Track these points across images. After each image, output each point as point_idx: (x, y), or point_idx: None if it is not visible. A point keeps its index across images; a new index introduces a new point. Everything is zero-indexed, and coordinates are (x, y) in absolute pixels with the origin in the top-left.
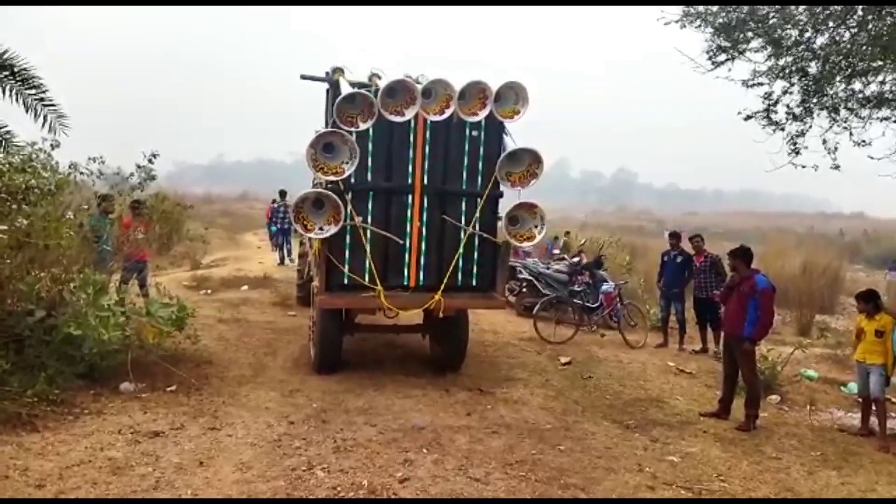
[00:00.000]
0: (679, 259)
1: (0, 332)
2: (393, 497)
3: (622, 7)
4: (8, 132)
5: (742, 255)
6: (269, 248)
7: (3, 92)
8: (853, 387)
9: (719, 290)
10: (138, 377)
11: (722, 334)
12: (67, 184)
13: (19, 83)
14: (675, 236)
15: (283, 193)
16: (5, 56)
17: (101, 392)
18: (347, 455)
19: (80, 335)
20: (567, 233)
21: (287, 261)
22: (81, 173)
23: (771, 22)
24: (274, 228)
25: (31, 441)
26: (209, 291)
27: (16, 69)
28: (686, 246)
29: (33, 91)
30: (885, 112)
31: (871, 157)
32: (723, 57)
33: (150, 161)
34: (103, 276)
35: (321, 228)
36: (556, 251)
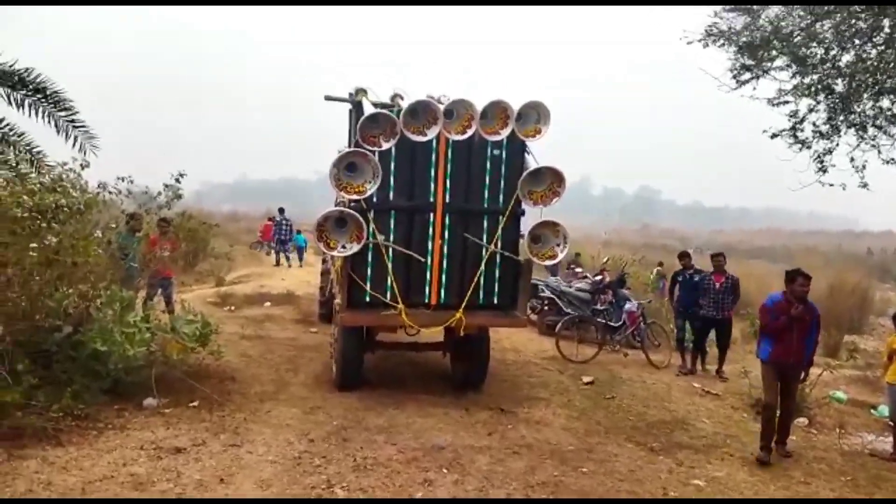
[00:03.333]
0: (696, 278)
1: (28, 347)
2: None
3: (644, 23)
4: (40, 152)
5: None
6: (291, 264)
7: (37, 114)
8: (884, 410)
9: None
10: (162, 393)
11: (767, 366)
12: (96, 203)
13: (51, 105)
14: (686, 255)
15: (281, 210)
16: (38, 80)
17: (125, 407)
18: (367, 474)
19: (106, 351)
20: (577, 254)
21: (284, 262)
22: (110, 192)
23: (795, 40)
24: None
25: (56, 455)
26: (233, 308)
27: (48, 92)
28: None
29: (64, 113)
30: None
31: None
32: (747, 76)
33: (177, 180)
34: (129, 292)
35: (344, 246)
36: (577, 269)
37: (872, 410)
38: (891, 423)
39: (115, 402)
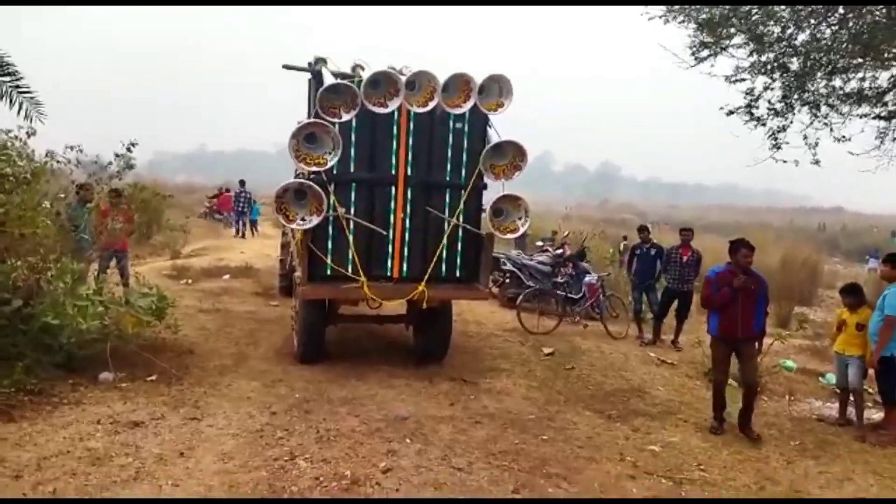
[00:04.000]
0: (653, 251)
1: None
2: (376, 486)
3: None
4: None
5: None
6: (250, 238)
7: None
8: (831, 378)
9: (690, 285)
10: (118, 367)
11: (712, 338)
12: (44, 172)
13: None
14: (645, 229)
15: (242, 182)
16: None
17: (80, 382)
18: (330, 445)
19: (58, 324)
20: (554, 232)
21: (244, 234)
22: (58, 161)
23: (753, 18)
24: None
25: (8, 431)
26: (190, 281)
27: None
28: (666, 239)
29: (8, 78)
30: (864, 108)
31: (851, 153)
32: (705, 53)
33: (128, 150)
34: (81, 265)
35: (303, 219)
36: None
37: (820, 378)
38: (837, 391)
39: (70, 377)
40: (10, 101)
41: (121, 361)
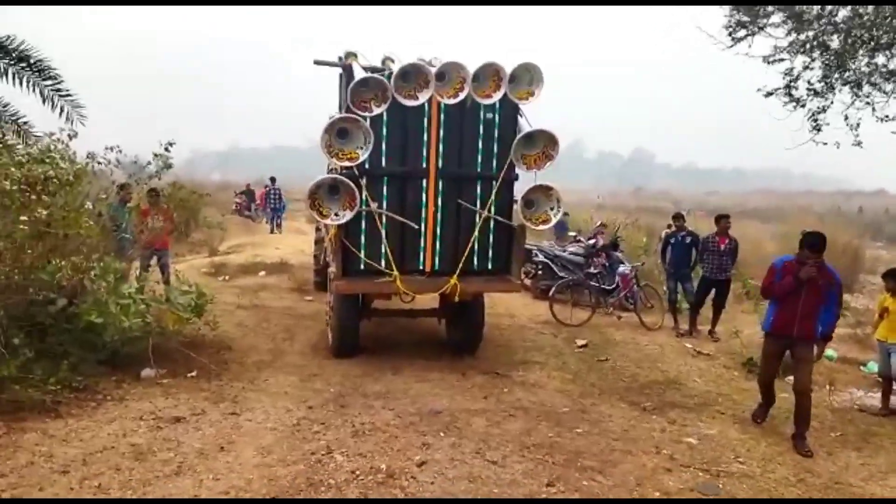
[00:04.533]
0: (688, 240)
1: (23, 321)
2: (412, 480)
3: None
4: (26, 123)
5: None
6: (284, 233)
7: (21, 83)
8: (873, 366)
9: (728, 274)
10: (159, 363)
11: (768, 337)
12: (85, 173)
13: (36, 74)
14: (679, 217)
15: (273, 180)
16: (21, 48)
17: (123, 378)
18: (366, 439)
19: (102, 323)
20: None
21: (276, 230)
22: (99, 163)
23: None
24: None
25: (56, 428)
26: (227, 278)
27: (32, 60)
28: (702, 227)
29: (49, 82)
30: None
31: (895, 133)
32: (742, 32)
33: (166, 149)
34: (123, 264)
35: (336, 214)
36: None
37: (862, 367)
38: (879, 379)
39: (113, 374)
40: (52, 104)
41: (162, 358)
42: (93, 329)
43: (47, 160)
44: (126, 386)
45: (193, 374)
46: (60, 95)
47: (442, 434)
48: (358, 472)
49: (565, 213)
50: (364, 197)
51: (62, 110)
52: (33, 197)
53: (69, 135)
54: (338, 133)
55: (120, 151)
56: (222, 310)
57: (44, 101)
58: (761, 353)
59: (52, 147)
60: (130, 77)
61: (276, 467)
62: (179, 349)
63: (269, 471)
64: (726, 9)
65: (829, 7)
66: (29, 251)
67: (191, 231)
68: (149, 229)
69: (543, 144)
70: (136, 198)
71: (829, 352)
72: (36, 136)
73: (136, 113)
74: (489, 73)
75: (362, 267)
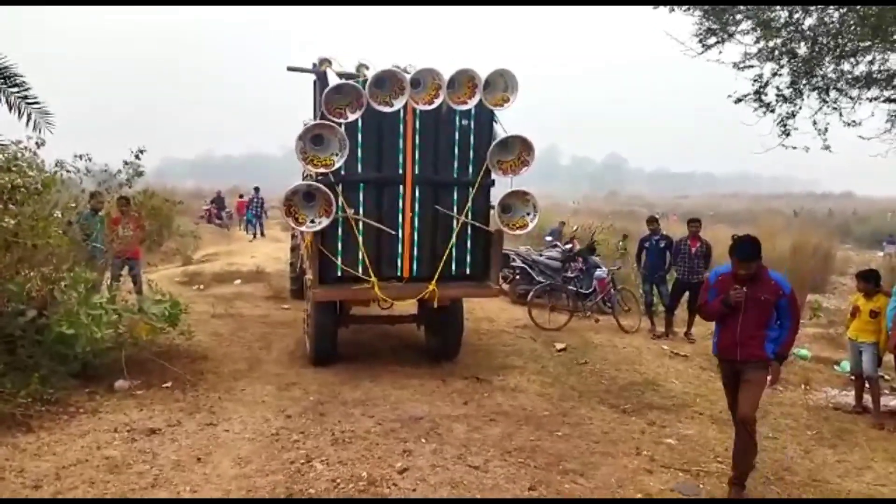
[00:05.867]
0: (662, 244)
1: None
2: (393, 487)
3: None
4: None
5: (869, 278)
6: (260, 241)
7: None
8: (846, 365)
9: (700, 277)
10: (133, 374)
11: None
12: (54, 182)
13: (1, 81)
14: (654, 221)
15: (256, 189)
16: None
17: (96, 390)
18: (346, 447)
19: (73, 334)
20: (562, 222)
21: (259, 235)
22: (68, 171)
23: (760, 3)
24: (250, 216)
25: (27, 442)
26: (201, 287)
27: None
28: (675, 230)
29: (16, 89)
30: (874, 92)
31: (862, 137)
32: (712, 40)
33: (136, 157)
34: (94, 274)
35: (313, 221)
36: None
37: (835, 366)
38: (852, 378)
39: (86, 386)
40: (19, 112)
41: (136, 369)
42: (64, 341)
43: (14, 169)
44: (99, 398)
45: (168, 384)
46: (28, 103)
47: (423, 440)
48: (338, 481)
49: (561, 223)
50: (340, 203)
51: (29, 118)
52: (0, 206)
53: (37, 143)
54: (313, 140)
55: (89, 159)
56: (197, 319)
57: (10, 109)
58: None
59: (19, 155)
60: (103, 83)
61: (254, 478)
62: (153, 360)
63: (247, 481)
64: (696, 16)
65: (796, 15)
66: None
67: (163, 240)
68: (119, 238)
69: (519, 150)
70: (106, 206)
71: (802, 351)
72: (2, 144)
73: (106, 120)
74: (464, 80)
75: (339, 274)
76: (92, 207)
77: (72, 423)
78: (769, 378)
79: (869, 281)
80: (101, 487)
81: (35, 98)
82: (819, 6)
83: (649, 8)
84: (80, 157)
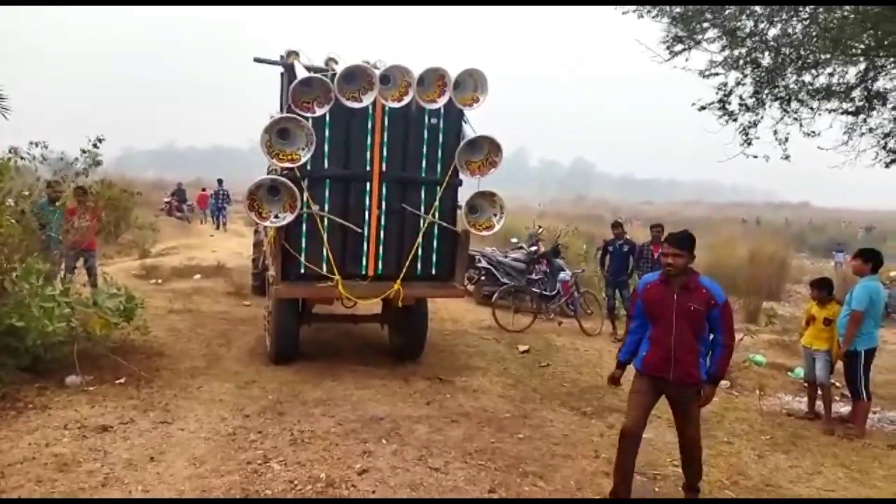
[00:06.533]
0: (626, 248)
1: None
2: (352, 488)
3: (581, 5)
4: None
5: (822, 287)
6: (221, 236)
7: None
8: (799, 372)
9: None
10: (85, 370)
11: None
12: (7, 169)
13: None
14: (618, 225)
15: (220, 181)
16: None
17: (46, 385)
18: (305, 447)
19: (23, 326)
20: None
21: (222, 228)
22: (22, 158)
23: (727, 13)
24: (213, 208)
25: None
26: (160, 281)
27: None
28: (638, 235)
29: None
30: (833, 104)
31: (821, 148)
32: (679, 47)
33: (94, 146)
34: (47, 265)
35: (277, 216)
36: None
37: (789, 373)
38: (806, 385)
39: (35, 381)
40: None
41: (88, 364)
42: (14, 333)
43: None
44: (49, 393)
45: (122, 381)
46: None
47: (384, 441)
48: (296, 482)
49: (539, 227)
50: (305, 199)
51: None
52: None
53: None
54: (279, 133)
55: (46, 147)
56: (154, 314)
57: None
58: (628, 395)
59: None
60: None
61: (209, 478)
62: (107, 355)
63: (201, 482)
64: (664, 23)
65: (761, 25)
66: None
67: (121, 232)
68: (75, 229)
69: (487, 151)
70: (63, 196)
71: (758, 357)
72: None
73: (65, 110)
74: (434, 78)
75: (303, 271)
76: (49, 197)
77: (19, 419)
78: (702, 399)
79: (822, 289)
80: (48, 486)
81: None
82: (783, 17)
83: (619, 14)
84: (36, 144)
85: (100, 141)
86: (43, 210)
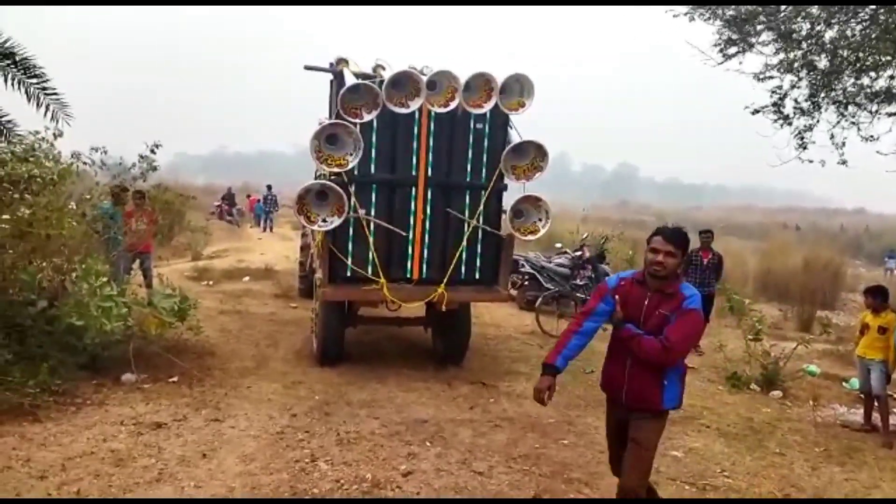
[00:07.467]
0: None
1: (2, 322)
2: (397, 490)
3: (629, 5)
4: (10, 121)
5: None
6: (269, 239)
7: (6, 81)
8: (855, 382)
9: (712, 289)
10: (140, 368)
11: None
12: (70, 173)
13: (21, 72)
14: None
15: (269, 187)
16: (6, 44)
17: (104, 383)
18: (350, 448)
19: (82, 325)
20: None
21: (269, 231)
22: (84, 163)
23: (781, 15)
24: (260, 212)
25: (34, 432)
26: (211, 283)
27: (17, 58)
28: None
29: (35, 80)
30: (893, 107)
31: (880, 153)
32: (733, 49)
33: (152, 151)
34: (107, 266)
35: (325, 220)
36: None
37: (844, 383)
38: (861, 396)
39: (93, 378)
40: (38, 102)
41: (143, 362)
42: (73, 332)
43: (31, 159)
44: (106, 390)
45: (175, 379)
46: (46, 94)
47: (428, 444)
48: (342, 482)
49: (584, 234)
50: (352, 203)
51: (47, 109)
52: (16, 196)
53: (54, 134)
54: (327, 139)
55: (105, 152)
56: (205, 315)
57: (28, 100)
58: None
59: (37, 146)
60: (113, 79)
61: (259, 475)
62: (161, 354)
63: (251, 479)
64: (716, 26)
65: (817, 27)
66: (10, 251)
67: (174, 235)
68: (133, 232)
69: (533, 155)
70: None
71: (811, 368)
72: (20, 134)
73: (121, 115)
74: (480, 83)
75: (349, 274)
76: (114, 197)
77: (78, 415)
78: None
79: (876, 296)
80: (105, 480)
81: (54, 89)
82: (840, 19)
83: (670, 16)
84: (97, 149)
85: (157, 146)
86: (107, 213)
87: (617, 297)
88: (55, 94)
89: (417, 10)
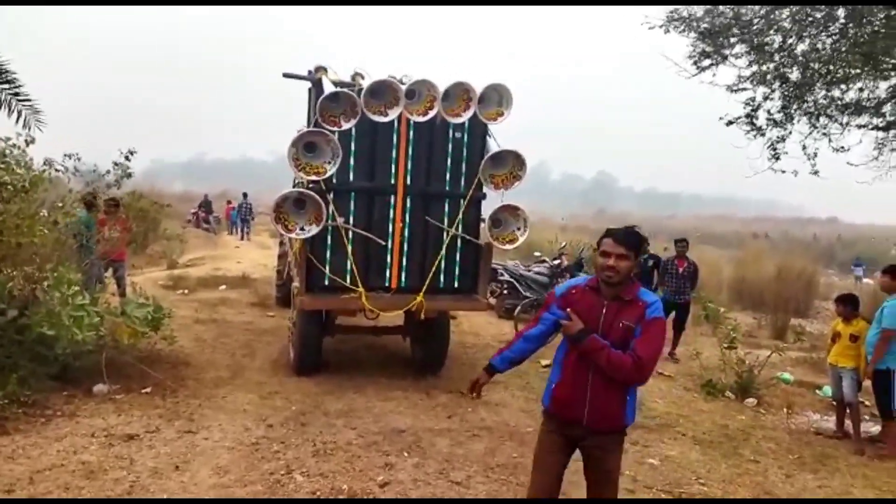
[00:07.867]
0: (650, 262)
1: None
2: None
3: (604, 9)
4: None
5: (847, 303)
6: (247, 247)
7: None
8: (828, 390)
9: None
10: (113, 378)
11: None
12: (42, 181)
13: None
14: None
15: (245, 195)
16: None
17: (75, 393)
18: (327, 459)
19: (54, 335)
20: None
21: (245, 239)
22: (56, 170)
23: (754, 28)
24: (235, 219)
25: (1, 444)
26: (186, 291)
27: None
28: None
29: (7, 86)
30: (863, 119)
31: (850, 164)
32: (707, 62)
33: (126, 158)
34: (79, 275)
35: (302, 228)
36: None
37: (817, 391)
38: (834, 403)
39: (64, 389)
40: (9, 108)
41: (116, 373)
42: (44, 341)
43: (2, 166)
44: (77, 401)
45: (148, 390)
46: (18, 100)
47: (405, 454)
48: (318, 493)
49: (563, 243)
50: (330, 212)
51: (19, 115)
52: None
53: (26, 140)
54: (305, 147)
55: (79, 159)
56: (180, 324)
57: (0, 106)
58: (536, 444)
59: (8, 152)
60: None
61: (233, 488)
62: (134, 364)
63: (225, 491)
64: (691, 38)
65: (789, 40)
66: None
67: (149, 243)
68: (105, 240)
69: (511, 165)
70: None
71: (785, 375)
72: None
73: (97, 121)
74: (459, 93)
75: (327, 283)
76: (86, 206)
77: (48, 427)
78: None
79: (847, 305)
80: (75, 493)
81: (27, 95)
82: (812, 32)
83: (644, 28)
84: (70, 156)
85: (132, 153)
86: (82, 221)
87: (568, 308)
88: (28, 100)
89: (417, 10)
